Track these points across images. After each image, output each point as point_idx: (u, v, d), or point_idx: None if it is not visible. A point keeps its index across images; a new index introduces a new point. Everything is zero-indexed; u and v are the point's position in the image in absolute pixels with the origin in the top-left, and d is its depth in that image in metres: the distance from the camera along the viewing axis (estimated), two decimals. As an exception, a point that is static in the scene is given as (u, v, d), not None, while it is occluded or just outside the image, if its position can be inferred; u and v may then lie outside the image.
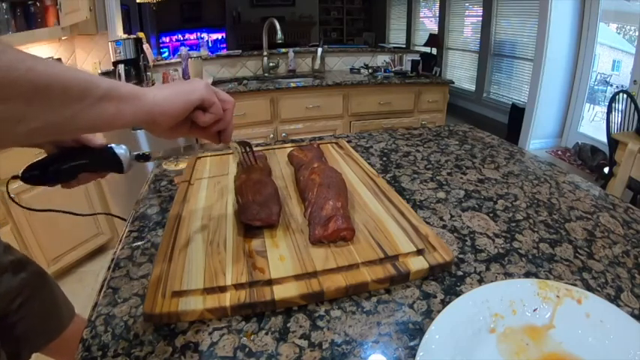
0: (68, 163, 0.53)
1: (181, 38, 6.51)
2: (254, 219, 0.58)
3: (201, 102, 0.46)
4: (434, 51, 3.34)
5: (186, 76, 2.49)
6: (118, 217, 0.85)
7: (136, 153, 0.57)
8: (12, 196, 0.64)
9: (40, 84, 0.31)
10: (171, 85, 0.46)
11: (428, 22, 6.40)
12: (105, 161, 0.55)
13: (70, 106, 0.34)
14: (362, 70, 2.85)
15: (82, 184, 0.57)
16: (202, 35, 6.61)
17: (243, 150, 0.70)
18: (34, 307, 0.76)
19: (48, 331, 0.80)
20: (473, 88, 5.44)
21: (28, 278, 0.76)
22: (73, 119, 0.35)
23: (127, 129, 1.99)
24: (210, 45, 5.87)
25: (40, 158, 0.54)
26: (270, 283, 0.48)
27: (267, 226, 0.59)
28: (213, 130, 0.51)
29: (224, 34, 6.84)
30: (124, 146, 0.56)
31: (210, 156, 0.95)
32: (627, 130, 2.40)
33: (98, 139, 0.55)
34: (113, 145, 0.56)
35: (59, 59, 1.73)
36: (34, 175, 0.52)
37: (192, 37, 6.58)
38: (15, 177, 0.53)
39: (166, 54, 6.00)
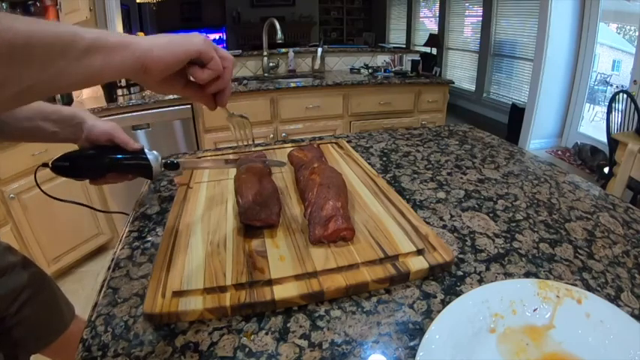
0: (100, 160, 0.54)
1: (181, 38, 6.50)
2: (254, 219, 0.58)
3: (198, 54, 0.42)
4: (434, 51, 3.33)
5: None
6: (115, 212, 0.85)
7: (164, 160, 0.56)
8: (38, 183, 0.64)
9: (18, 43, 0.29)
10: (167, 35, 0.42)
11: (428, 22, 6.40)
12: (136, 165, 0.55)
13: (53, 63, 0.32)
14: (362, 70, 2.85)
15: (110, 184, 0.58)
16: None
17: (243, 125, 0.67)
18: (33, 309, 0.75)
19: (47, 334, 0.79)
20: (473, 88, 5.44)
21: (28, 280, 0.75)
22: (60, 76, 0.33)
23: (128, 129, 1.99)
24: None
25: (74, 150, 0.55)
26: (270, 283, 0.48)
27: (267, 226, 0.59)
28: (209, 90, 0.47)
29: (222, 34, 6.84)
30: (155, 152, 0.56)
31: (211, 156, 0.95)
32: (627, 130, 2.40)
33: (134, 142, 0.55)
34: (147, 150, 0.55)
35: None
36: (63, 166, 0.52)
37: (189, 37, 6.57)
38: (45, 165, 0.54)
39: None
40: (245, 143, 0.68)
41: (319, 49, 2.85)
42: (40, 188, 0.65)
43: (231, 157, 0.93)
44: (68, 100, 1.87)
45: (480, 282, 0.51)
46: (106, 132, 0.56)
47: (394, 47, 3.41)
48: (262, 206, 0.59)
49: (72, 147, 0.58)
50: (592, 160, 3.36)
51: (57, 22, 0.34)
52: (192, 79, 0.46)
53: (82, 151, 0.56)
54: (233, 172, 0.81)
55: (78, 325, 0.84)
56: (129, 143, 0.56)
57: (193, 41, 0.42)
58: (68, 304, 0.86)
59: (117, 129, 0.57)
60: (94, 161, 0.54)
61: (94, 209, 0.75)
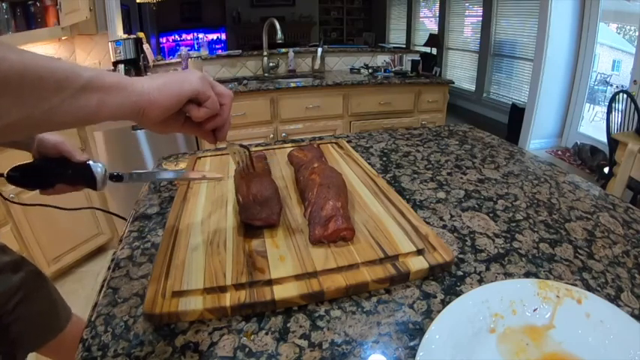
0: (47, 172, 0.56)
1: (178, 39, 6.52)
2: (254, 218, 0.58)
3: (195, 94, 0.43)
4: (434, 51, 3.33)
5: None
6: (110, 212, 0.86)
7: (110, 172, 0.59)
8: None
9: (11, 75, 0.28)
10: (164, 75, 0.43)
11: (428, 22, 6.40)
12: (82, 176, 0.57)
13: (47, 99, 0.32)
14: (362, 70, 2.85)
15: (58, 194, 0.58)
16: (199, 35, 6.62)
17: (242, 154, 0.69)
18: (30, 307, 0.75)
19: (44, 332, 0.79)
20: (473, 88, 5.44)
21: (25, 279, 0.76)
22: (52, 113, 0.33)
23: (128, 129, 1.99)
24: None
25: (26, 162, 0.56)
26: (270, 283, 0.48)
27: (267, 225, 0.59)
28: (208, 127, 0.47)
29: (220, 35, 6.85)
30: (101, 164, 0.58)
31: (211, 156, 0.95)
32: (627, 130, 2.40)
33: (79, 154, 0.57)
34: (91, 162, 0.58)
35: (59, 59, 1.73)
36: (14, 177, 0.55)
37: (188, 38, 6.58)
38: (0, 175, 0.56)
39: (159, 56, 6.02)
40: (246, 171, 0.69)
41: (319, 49, 2.85)
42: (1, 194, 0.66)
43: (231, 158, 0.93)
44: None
45: (480, 282, 0.51)
46: (53, 145, 0.57)
47: (394, 47, 3.41)
48: (263, 205, 0.59)
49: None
50: (592, 160, 3.36)
51: (54, 58, 0.34)
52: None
53: (33, 162, 0.58)
54: (233, 172, 0.81)
55: (76, 325, 0.84)
56: (75, 156, 0.57)
57: (190, 81, 0.42)
58: (64, 304, 0.86)
59: (64, 143, 0.58)
60: (41, 173, 0.56)
61: (62, 209, 0.75)
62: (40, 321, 0.78)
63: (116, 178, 0.60)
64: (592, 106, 3.89)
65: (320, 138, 1.10)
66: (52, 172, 0.56)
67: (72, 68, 0.34)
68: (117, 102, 0.37)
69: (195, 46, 6.30)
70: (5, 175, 0.55)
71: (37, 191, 0.58)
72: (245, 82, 2.65)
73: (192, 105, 0.44)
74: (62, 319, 0.83)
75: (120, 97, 0.37)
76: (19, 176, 0.55)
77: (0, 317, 0.70)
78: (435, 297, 0.49)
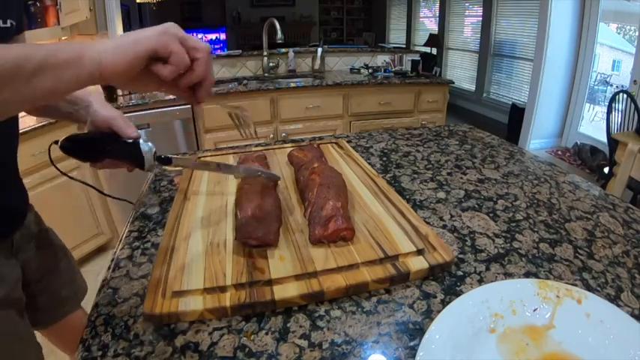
0: (97, 145, 0.57)
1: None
2: (250, 237, 0.54)
3: (152, 52, 0.39)
4: (434, 51, 3.33)
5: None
6: (123, 200, 0.87)
7: (159, 155, 0.58)
8: (52, 160, 0.67)
9: None
10: (122, 36, 0.39)
11: (428, 22, 6.40)
12: (130, 154, 0.57)
13: (3, 89, 0.32)
14: (362, 70, 2.85)
15: (107, 169, 0.59)
16: (199, 35, 6.62)
17: (238, 118, 0.67)
18: (55, 277, 0.77)
19: (64, 305, 0.81)
20: (473, 88, 5.44)
21: (55, 249, 0.78)
22: (11, 101, 0.32)
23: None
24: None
25: (79, 133, 0.58)
26: (270, 283, 0.48)
27: (264, 245, 0.55)
28: (182, 85, 0.43)
29: (220, 35, 6.85)
30: (150, 144, 0.57)
31: (211, 156, 0.95)
32: (627, 130, 2.40)
33: (131, 131, 0.57)
34: (141, 141, 0.57)
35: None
36: (67, 147, 0.55)
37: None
38: (55, 142, 0.58)
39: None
40: (248, 136, 0.68)
41: (319, 49, 2.85)
42: (53, 163, 0.68)
43: (231, 158, 0.93)
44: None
45: (480, 282, 0.51)
46: (105, 120, 0.57)
47: (394, 47, 3.41)
48: (260, 222, 0.56)
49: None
50: (592, 160, 3.36)
51: (11, 45, 0.34)
52: None
53: (85, 134, 0.59)
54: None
55: (80, 315, 0.85)
56: (126, 132, 0.57)
57: (146, 39, 0.39)
58: (83, 280, 0.87)
59: (116, 118, 0.57)
60: (91, 146, 0.57)
61: (105, 194, 0.77)
62: (59, 297, 0.79)
63: (164, 160, 0.59)
64: (592, 106, 3.89)
65: (320, 138, 1.10)
66: (102, 146, 0.57)
67: (24, 53, 0.33)
68: (73, 76, 0.36)
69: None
70: (59, 144, 0.55)
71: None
72: (245, 82, 2.65)
73: (158, 63, 0.41)
74: (78, 299, 0.85)
75: (75, 69, 0.36)
76: (71, 146, 0.55)
77: (28, 285, 0.70)
78: (435, 297, 0.49)
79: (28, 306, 0.67)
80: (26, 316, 0.66)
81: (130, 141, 0.56)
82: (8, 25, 0.54)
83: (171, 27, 0.41)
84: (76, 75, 0.36)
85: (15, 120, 0.64)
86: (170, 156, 0.59)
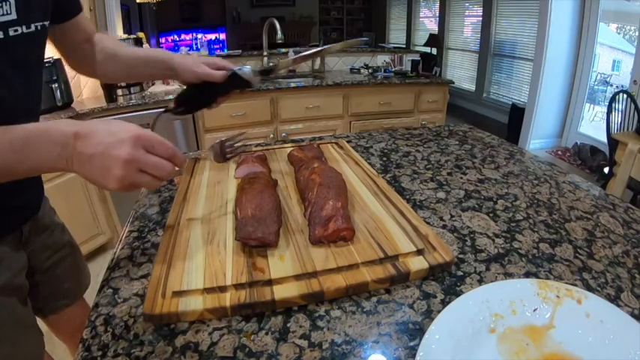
0: (204, 94, 0.65)
1: (177, 39, 6.52)
2: (249, 238, 0.53)
3: (119, 190, 0.44)
4: (434, 51, 3.34)
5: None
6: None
7: (259, 69, 0.66)
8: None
9: None
10: (89, 160, 0.43)
11: (428, 22, 6.40)
12: (234, 84, 0.64)
13: None
14: (362, 70, 2.85)
15: (221, 104, 0.70)
16: (198, 35, 6.63)
17: (222, 146, 0.71)
18: (59, 271, 0.78)
19: (65, 298, 0.81)
20: (473, 88, 5.44)
21: (64, 243, 0.79)
22: None
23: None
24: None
25: (180, 94, 0.67)
26: (270, 283, 0.48)
27: (263, 245, 0.54)
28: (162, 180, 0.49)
29: (219, 35, 6.85)
30: (245, 67, 0.65)
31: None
32: (627, 130, 2.40)
33: (219, 74, 0.65)
34: (236, 69, 0.64)
35: (59, 60, 1.73)
36: (182, 107, 0.66)
37: (188, 38, 6.59)
38: (166, 110, 0.67)
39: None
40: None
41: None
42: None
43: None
44: (68, 100, 1.87)
45: (480, 282, 0.51)
46: (194, 74, 0.65)
47: (394, 47, 3.41)
48: (260, 223, 0.55)
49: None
50: (592, 160, 3.37)
51: None
52: None
53: (188, 89, 0.67)
54: (233, 172, 0.81)
55: (82, 307, 0.85)
56: (215, 78, 0.64)
57: (112, 178, 0.43)
58: (86, 279, 0.88)
59: (199, 71, 0.65)
60: (200, 97, 0.66)
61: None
62: (64, 287, 0.80)
63: (264, 72, 0.67)
64: (592, 106, 3.89)
65: (320, 138, 1.10)
66: (209, 92, 0.65)
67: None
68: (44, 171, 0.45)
69: (194, 47, 6.30)
70: (173, 103, 0.63)
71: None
72: (245, 82, 2.65)
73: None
74: (81, 289, 0.86)
75: (44, 170, 0.44)
76: (186, 105, 0.64)
77: (34, 274, 0.71)
78: (435, 297, 0.49)
79: (30, 294, 0.68)
80: (29, 303, 0.67)
81: (227, 77, 0.64)
82: (33, 29, 0.55)
83: (139, 137, 0.44)
84: (48, 169, 0.44)
85: (36, 117, 0.65)
86: (269, 67, 0.68)
